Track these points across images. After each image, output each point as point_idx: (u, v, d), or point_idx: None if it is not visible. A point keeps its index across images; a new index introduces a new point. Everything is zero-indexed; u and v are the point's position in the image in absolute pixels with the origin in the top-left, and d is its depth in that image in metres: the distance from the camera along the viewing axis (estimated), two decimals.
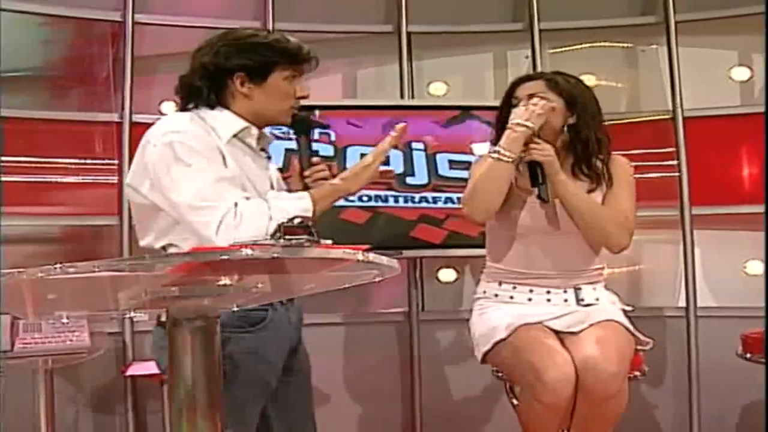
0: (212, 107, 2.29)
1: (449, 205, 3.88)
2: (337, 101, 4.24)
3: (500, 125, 2.87)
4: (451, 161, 3.99)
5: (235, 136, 2.26)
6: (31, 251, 3.84)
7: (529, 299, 2.81)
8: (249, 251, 1.42)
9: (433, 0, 4.30)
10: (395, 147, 2.44)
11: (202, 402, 1.66)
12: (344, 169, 3.80)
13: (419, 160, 3.97)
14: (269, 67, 2.28)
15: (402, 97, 4.21)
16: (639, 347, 2.78)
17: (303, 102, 2.38)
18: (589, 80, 4.06)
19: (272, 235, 1.50)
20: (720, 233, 4.24)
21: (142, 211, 2.25)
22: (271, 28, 4.05)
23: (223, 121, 2.26)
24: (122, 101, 3.89)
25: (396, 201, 3.92)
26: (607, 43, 4.31)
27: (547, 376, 2.51)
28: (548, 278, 2.80)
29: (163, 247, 2.21)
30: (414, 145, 3.98)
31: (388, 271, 1.67)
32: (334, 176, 2.38)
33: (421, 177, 3.96)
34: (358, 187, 2.33)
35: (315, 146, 3.83)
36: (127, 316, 1.83)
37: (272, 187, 2.35)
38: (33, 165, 3.79)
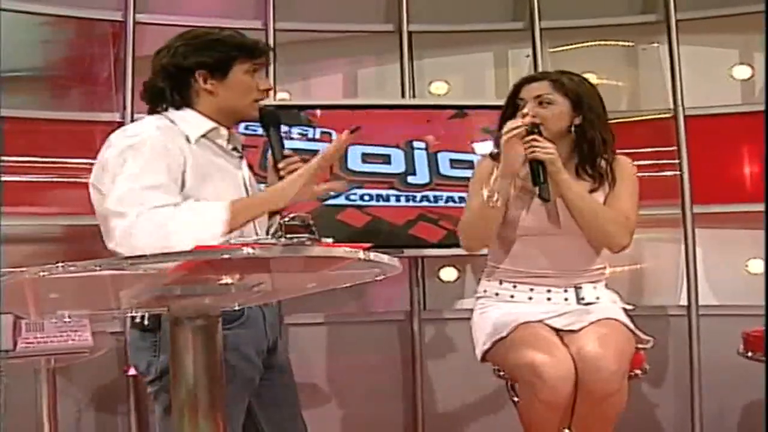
0: (177, 108, 2.30)
1: (450, 204, 3.88)
2: (338, 100, 4.25)
3: (503, 124, 2.87)
4: (452, 160, 3.99)
5: (203, 136, 2.27)
6: (32, 251, 3.84)
7: (530, 298, 2.80)
8: (250, 250, 1.42)
9: None
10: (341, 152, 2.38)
11: (204, 402, 1.66)
12: (346, 169, 3.90)
13: (420, 159, 3.97)
14: (228, 62, 2.30)
15: (403, 96, 4.21)
16: (639, 346, 2.77)
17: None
18: (589, 79, 4.08)
19: (273, 234, 1.50)
20: (721, 232, 4.24)
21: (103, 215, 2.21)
22: (271, 27, 4.07)
23: (191, 122, 2.28)
24: (123, 101, 3.90)
25: (398, 200, 3.93)
26: (608, 42, 4.31)
27: (547, 374, 2.50)
28: (549, 277, 2.80)
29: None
30: (415, 144, 3.98)
31: (389, 270, 1.67)
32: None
33: (422, 176, 3.96)
34: (286, 203, 2.21)
35: (316, 146, 3.87)
36: (129, 315, 1.83)
37: (245, 186, 2.36)
38: (34, 165, 3.79)
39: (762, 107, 3.97)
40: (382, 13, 4.29)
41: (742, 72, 4.21)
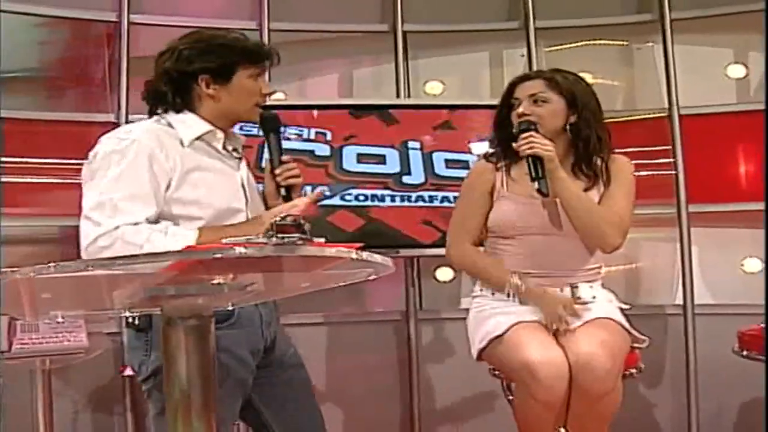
0: (178, 111, 2.30)
1: (446, 204, 3.88)
2: (334, 100, 4.25)
3: (498, 125, 2.87)
4: (447, 160, 3.99)
5: (198, 139, 2.27)
6: (28, 252, 3.84)
7: None
8: (242, 249, 1.42)
9: None
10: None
11: (197, 402, 1.66)
12: (341, 169, 3.89)
13: (415, 159, 3.98)
14: (232, 66, 2.29)
15: (398, 96, 4.21)
16: (635, 345, 2.78)
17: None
18: (585, 78, 4.08)
19: (264, 233, 1.50)
20: (717, 231, 4.25)
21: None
22: (266, 27, 4.06)
23: (186, 124, 2.27)
24: (118, 102, 3.90)
25: (393, 200, 3.92)
26: (602, 41, 4.31)
27: (542, 374, 2.50)
28: (545, 277, 2.79)
29: None
30: (410, 144, 3.98)
31: (382, 270, 1.67)
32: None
33: (417, 176, 3.96)
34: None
35: (311, 146, 3.88)
36: (123, 315, 1.83)
37: (243, 188, 2.35)
38: (29, 165, 3.79)
39: (757, 106, 3.99)
40: (377, 13, 4.29)
41: (737, 71, 4.22)
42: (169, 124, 2.27)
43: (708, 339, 3.99)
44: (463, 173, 2.98)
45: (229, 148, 2.36)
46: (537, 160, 2.68)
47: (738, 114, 4.12)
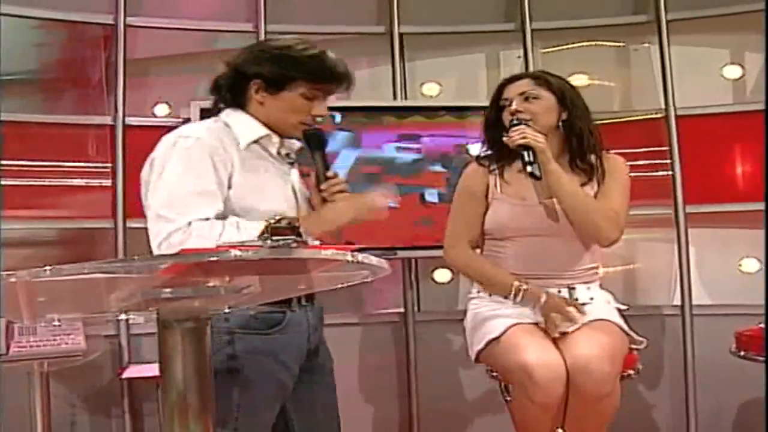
0: (228, 106, 2.32)
1: (444, 203, 3.87)
2: (330, 102, 4.23)
3: (488, 127, 2.87)
4: (443, 160, 3.99)
5: (255, 142, 2.28)
6: (25, 255, 3.83)
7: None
8: (238, 252, 1.42)
9: (425, 1, 4.31)
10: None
11: (194, 404, 1.65)
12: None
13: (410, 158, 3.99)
14: (285, 80, 2.28)
15: (395, 97, 4.21)
16: (633, 346, 2.78)
17: None
18: (581, 79, 4.10)
19: (259, 236, 1.50)
20: (714, 231, 4.24)
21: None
22: (262, 29, 4.06)
23: (243, 125, 2.29)
24: (115, 104, 3.89)
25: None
26: (599, 43, 4.31)
27: (538, 376, 2.50)
28: (542, 278, 2.80)
29: None
30: (406, 144, 3.98)
31: (378, 272, 1.67)
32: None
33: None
34: (330, 229, 2.27)
35: None
36: (119, 318, 1.83)
37: (294, 193, 2.36)
38: (26, 168, 3.79)
39: (753, 107, 4.00)
40: (373, 15, 4.30)
41: (733, 72, 4.22)
42: (226, 124, 2.29)
43: (706, 339, 3.99)
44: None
45: (283, 152, 2.37)
46: (529, 149, 2.68)
47: (734, 114, 4.12)
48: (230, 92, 2.32)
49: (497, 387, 2.91)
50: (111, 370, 3.79)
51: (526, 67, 4.11)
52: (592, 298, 2.81)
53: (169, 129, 2.28)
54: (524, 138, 2.68)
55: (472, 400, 4.03)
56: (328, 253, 1.53)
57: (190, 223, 2.08)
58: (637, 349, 2.82)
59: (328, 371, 2.44)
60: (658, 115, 4.14)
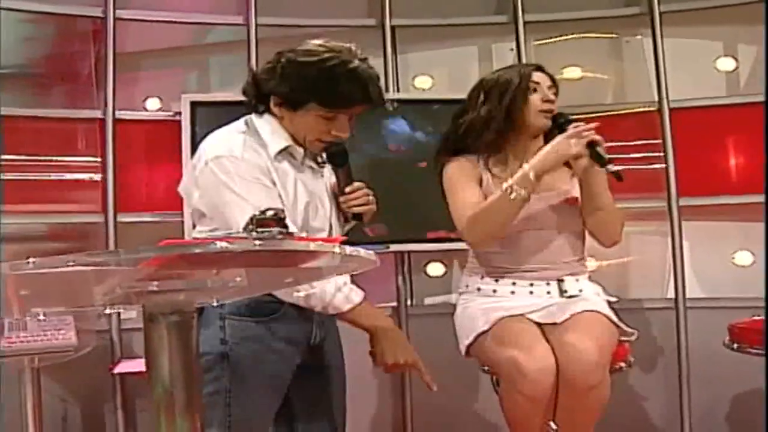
0: (254, 111, 2.33)
1: None
2: None
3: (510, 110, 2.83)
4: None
5: (282, 151, 2.29)
6: (15, 250, 3.81)
7: (512, 292, 2.80)
8: (223, 244, 1.41)
9: None
10: None
11: (181, 399, 1.64)
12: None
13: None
14: (302, 101, 2.26)
15: (387, 90, 4.18)
16: (623, 338, 2.77)
17: None
18: (574, 72, 4.08)
19: (244, 228, 1.49)
20: (708, 224, 4.24)
21: (193, 211, 2.32)
22: (253, 23, 4.03)
23: (271, 134, 2.28)
24: (105, 98, 3.86)
25: None
26: (591, 35, 4.30)
27: (527, 369, 2.50)
28: (531, 271, 2.80)
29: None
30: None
31: (366, 264, 1.65)
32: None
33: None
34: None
35: None
36: (106, 312, 1.82)
37: (328, 192, 2.39)
38: (16, 163, 3.77)
39: (747, 99, 4.00)
40: (364, 7, 4.28)
41: (727, 64, 4.20)
42: (257, 132, 2.28)
43: (700, 332, 3.98)
44: None
45: (309, 158, 2.36)
46: (596, 145, 2.63)
47: (728, 107, 4.11)
48: (256, 99, 2.32)
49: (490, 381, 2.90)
50: (103, 365, 3.76)
51: (519, 60, 4.09)
52: (581, 290, 2.81)
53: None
54: (590, 136, 2.63)
55: (466, 394, 4.02)
56: (314, 245, 1.52)
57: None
58: (628, 341, 2.81)
59: (334, 370, 2.47)
60: (651, 108, 4.12)
